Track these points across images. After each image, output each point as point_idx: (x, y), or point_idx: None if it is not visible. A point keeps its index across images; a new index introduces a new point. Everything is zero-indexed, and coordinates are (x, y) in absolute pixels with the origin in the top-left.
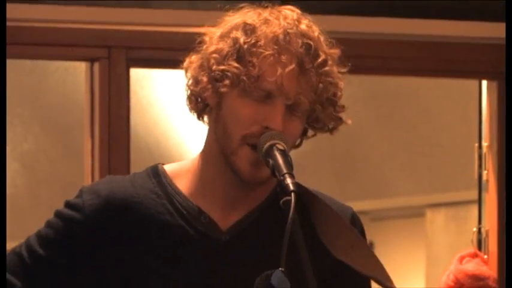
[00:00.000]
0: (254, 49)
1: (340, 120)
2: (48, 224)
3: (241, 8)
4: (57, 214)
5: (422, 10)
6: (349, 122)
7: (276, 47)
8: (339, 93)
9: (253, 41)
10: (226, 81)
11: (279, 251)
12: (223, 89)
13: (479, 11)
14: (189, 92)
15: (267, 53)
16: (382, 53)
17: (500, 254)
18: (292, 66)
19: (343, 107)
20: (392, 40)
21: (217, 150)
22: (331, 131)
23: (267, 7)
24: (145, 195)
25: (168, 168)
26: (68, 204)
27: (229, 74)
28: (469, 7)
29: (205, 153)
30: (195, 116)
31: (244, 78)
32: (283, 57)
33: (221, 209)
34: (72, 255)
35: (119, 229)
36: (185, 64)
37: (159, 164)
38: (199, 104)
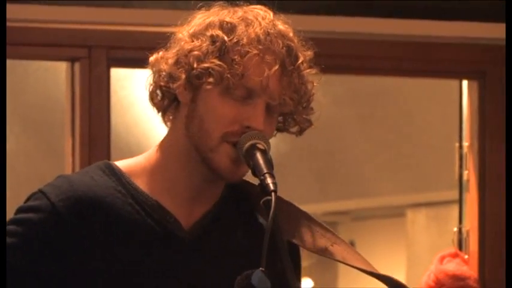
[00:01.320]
0: (238, 48)
1: (310, 123)
2: (8, 234)
3: (212, 6)
4: (19, 221)
5: (403, 10)
6: (313, 126)
7: (260, 47)
8: (313, 96)
9: (235, 40)
10: (210, 79)
11: (242, 249)
12: (208, 87)
13: (460, 10)
14: (157, 87)
15: (253, 52)
16: (363, 52)
17: (481, 254)
18: (277, 66)
19: (312, 109)
20: (373, 40)
21: (185, 146)
22: (300, 133)
23: (239, 6)
24: (112, 195)
25: (121, 165)
26: (30, 209)
27: (212, 71)
28: (450, 7)
29: (168, 150)
30: (158, 112)
31: (229, 76)
32: (268, 58)
33: (182, 207)
34: (42, 258)
35: (92, 228)
36: (153, 60)
37: (108, 161)
38: (165, 99)
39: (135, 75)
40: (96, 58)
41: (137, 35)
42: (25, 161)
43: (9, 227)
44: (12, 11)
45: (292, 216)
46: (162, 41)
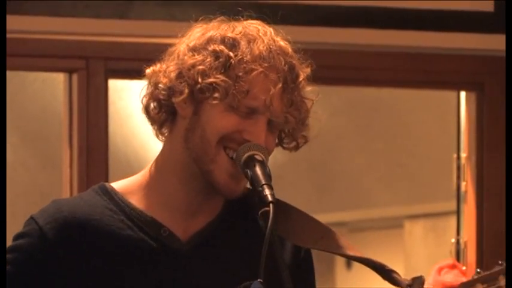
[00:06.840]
0: (243, 65)
1: (307, 139)
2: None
3: (211, 20)
4: (12, 249)
5: (401, 21)
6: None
7: (265, 64)
8: (309, 112)
9: (239, 56)
10: (216, 94)
11: (241, 260)
12: (213, 102)
13: (457, 22)
14: (154, 100)
15: (259, 70)
16: (360, 64)
17: (479, 265)
18: (280, 84)
19: (308, 125)
20: (371, 51)
21: (183, 160)
22: (296, 149)
23: (237, 21)
24: (102, 213)
25: (116, 186)
26: (21, 235)
27: (217, 87)
28: (447, 18)
29: (165, 164)
30: (154, 125)
31: (234, 92)
32: (272, 75)
33: (181, 220)
34: (35, 283)
35: (82, 247)
36: (150, 72)
37: (104, 183)
38: (163, 113)
39: (132, 86)
40: (93, 69)
41: (135, 46)
42: (23, 172)
43: (7, 256)
44: (10, 22)
45: (286, 214)
46: (159, 52)
